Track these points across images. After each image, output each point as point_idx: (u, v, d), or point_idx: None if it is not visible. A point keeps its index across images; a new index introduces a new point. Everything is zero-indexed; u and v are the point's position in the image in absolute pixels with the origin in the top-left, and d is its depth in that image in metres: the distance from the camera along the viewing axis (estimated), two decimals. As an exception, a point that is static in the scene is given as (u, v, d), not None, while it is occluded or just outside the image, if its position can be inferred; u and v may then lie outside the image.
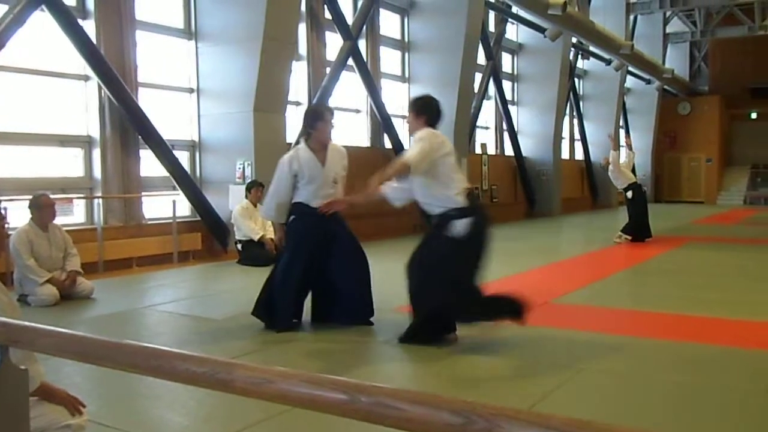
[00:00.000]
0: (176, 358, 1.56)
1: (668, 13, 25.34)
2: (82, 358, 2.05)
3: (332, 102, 11.82)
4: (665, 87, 26.21)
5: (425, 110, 4.96)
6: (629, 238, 11.27)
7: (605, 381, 3.89)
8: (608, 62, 21.31)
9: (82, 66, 8.39)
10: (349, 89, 12.59)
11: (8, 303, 2.55)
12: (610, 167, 11.49)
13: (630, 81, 24.84)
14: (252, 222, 8.84)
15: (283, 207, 5.23)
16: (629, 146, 13.02)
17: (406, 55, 14.46)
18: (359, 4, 12.72)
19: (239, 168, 9.58)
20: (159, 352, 1.62)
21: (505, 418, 1.01)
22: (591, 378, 3.92)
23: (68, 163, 8.59)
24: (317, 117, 5.26)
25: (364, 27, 12.81)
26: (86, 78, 8.56)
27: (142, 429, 3.23)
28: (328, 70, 11.73)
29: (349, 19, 12.33)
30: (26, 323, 1.89)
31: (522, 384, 3.87)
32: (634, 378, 3.95)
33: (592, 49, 20.78)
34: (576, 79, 22.42)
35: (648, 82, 25.21)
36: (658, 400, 3.56)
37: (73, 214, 8.08)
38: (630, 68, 22.75)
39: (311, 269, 5.14)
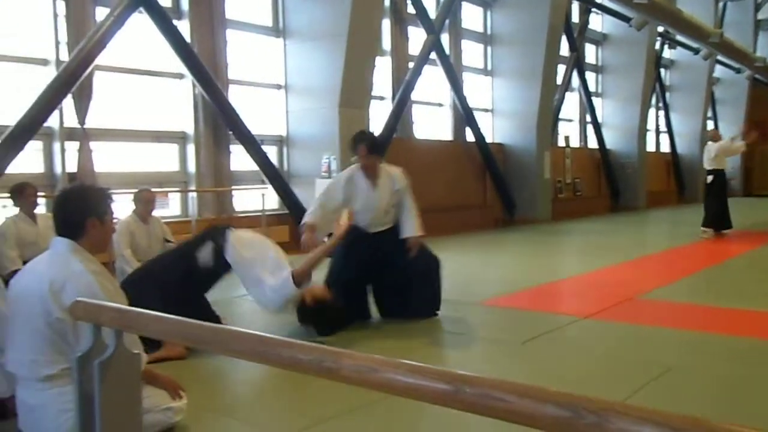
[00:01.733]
0: (282, 346, 1.59)
1: (760, -1, 24.20)
2: (192, 342, 2.16)
3: (415, 96, 11.89)
4: (756, 76, 24.97)
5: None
6: (710, 230, 10.87)
7: (694, 380, 3.81)
8: (696, 51, 20.49)
9: (177, 65, 8.73)
10: (431, 83, 12.61)
11: (115, 291, 2.71)
12: (713, 144, 11.06)
13: (719, 70, 23.82)
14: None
15: (324, 218, 5.13)
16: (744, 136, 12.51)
17: (489, 48, 14.36)
18: (441, -3, 12.72)
19: (325, 162, 9.78)
20: (266, 339, 1.65)
21: (614, 413, 0.98)
22: (679, 376, 3.84)
23: (164, 159, 8.98)
24: (353, 145, 5.13)
25: (447, 21, 12.80)
26: (181, 76, 8.91)
27: (237, 413, 3.37)
28: (411, 64, 11.79)
29: (432, 13, 12.35)
30: (139, 310, 2.02)
31: (608, 381, 3.84)
32: (725, 377, 3.85)
33: (679, 38, 20.05)
34: (662, 70, 21.75)
35: (738, 71, 24.06)
36: (749, 400, 3.47)
37: (168, 207, 8.43)
38: (719, 57, 21.79)
39: (366, 272, 5.15)
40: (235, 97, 9.37)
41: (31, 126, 7.24)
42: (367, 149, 5.01)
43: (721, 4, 23.02)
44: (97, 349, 2.12)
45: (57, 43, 7.67)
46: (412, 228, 5.11)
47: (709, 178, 11.11)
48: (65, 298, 2.49)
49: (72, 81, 7.50)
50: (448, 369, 1.27)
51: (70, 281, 2.55)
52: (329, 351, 1.49)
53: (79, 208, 2.72)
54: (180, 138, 9.07)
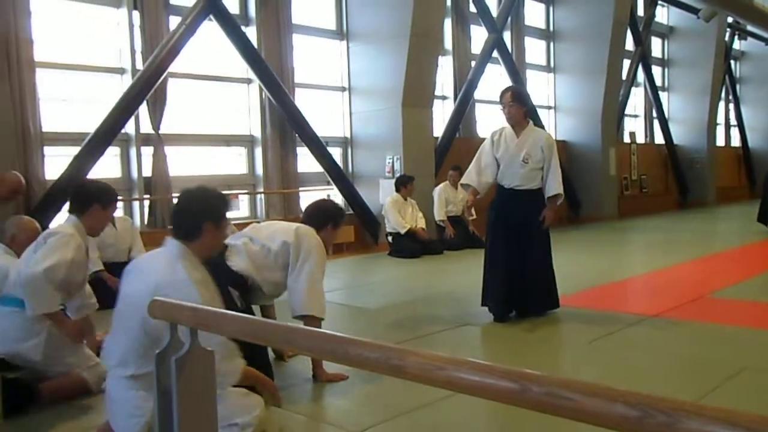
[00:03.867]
0: (350, 344, 1.63)
1: (840, -14, 23.05)
2: (264, 341, 2.24)
3: (477, 94, 11.86)
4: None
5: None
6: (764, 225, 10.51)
7: None
8: (768, 42, 19.76)
9: (245, 70, 8.96)
10: (494, 81, 12.54)
11: (211, 299, 2.67)
12: None
13: (794, 61, 22.88)
14: (401, 215, 9.08)
15: (480, 176, 5.24)
16: None
17: (552, 44, 14.20)
18: (504, -5, 12.64)
19: (389, 162, 9.86)
20: (334, 337, 1.70)
21: (686, 413, 0.96)
22: (754, 377, 3.75)
23: (233, 161, 9.21)
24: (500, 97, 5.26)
25: (509, 18, 12.71)
26: (249, 81, 9.13)
27: (306, 409, 3.46)
28: (473, 63, 11.75)
29: (494, 11, 12.29)
30: (212, 308, 2.11)
31: (679, 381, 3.78)
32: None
33: (749, 28, 19.32)
34: (732, 61, 21.05)
35: (814, 60, 23.08)
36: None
37: (238, 209, 8.65)
38: (793, 47, 20.95)
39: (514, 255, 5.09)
40: (301, 100, 9.54)
41: (109, 132, 7.55)
42: (513, 96, 5.15)
43: (795, -8, 22.08)
44: (173, 346, 2.21)
45: (133, 52, 7.96)
46: (554, 186, 5.11)
47: None
48: None
49: (147, 88, 7.78)
50: (515, 368, 1.28)
51: (172, 288, 2.56)
52: (395, 349, 1.50)
53: (198, 211, 2.77)
54: (248, 141, 9.29)
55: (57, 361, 3.58)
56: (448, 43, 11.52)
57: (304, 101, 9.61)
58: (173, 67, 8.07)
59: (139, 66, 7.92)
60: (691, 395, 3.41)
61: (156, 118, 8.05)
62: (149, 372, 2.63)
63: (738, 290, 6.29)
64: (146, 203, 8.09)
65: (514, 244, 5.07)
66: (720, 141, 20.04)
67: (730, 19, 18.15)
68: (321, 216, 4.09)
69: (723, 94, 20.08)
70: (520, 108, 5.14)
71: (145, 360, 2.63)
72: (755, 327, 4.89)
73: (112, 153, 7.88)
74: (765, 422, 0.90)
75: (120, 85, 7.89)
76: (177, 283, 2.61)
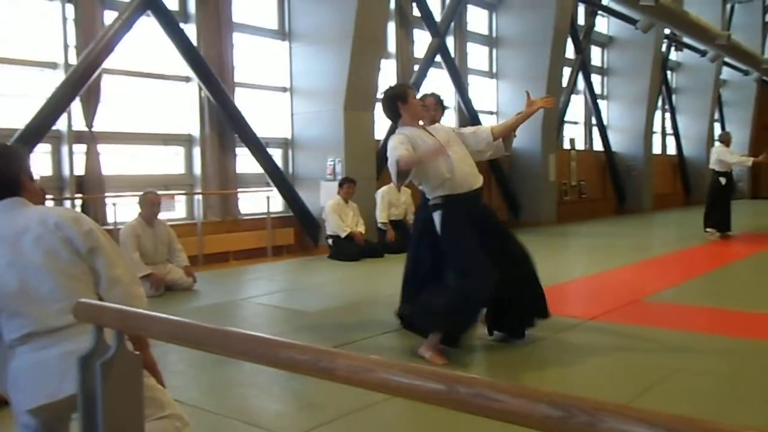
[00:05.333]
0: (280, 346, 1.61)
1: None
2: (194, 344, 2.18)
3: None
4: (764, 78, 24.89)
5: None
6: (716, 232, 10.84)
7: (700, 382, 3.81)
8: (703, 53, 20.44)
9: (183, 67, 8.77)
10: (437, 86, 12.62)
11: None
12: (723, 147, 11.11)
13: (726, 72, 23.75)
14: (341, 218, 9.03)
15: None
16: None
17: (494, 50, 14.37)
18: (447, 1, 12.74)
19: (330, 165, 9.81)
20: (264, 340, 1.68)
21: (608, 413, 0.97)
22: (685, 379, 3.84)
23: (170, 161, 9.02)
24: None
25: (452, 23, 12.82)
26: (187, 79, 8.95)
27: (240, 415, 3.39)
28: (416, 67, 11.81)
29: (437, 16, 12.37)
30: (141, 311, 2.04)
31: (613, 383, 3.84)
32: (730, 379, 3.85)
33: (686, 40, 20.01)
34: (668, 72, 21.69)
35: (746, 73, 24.01)
36: (756, 402, 3.46)
37: (174, 210, 8.47)
38: (726, 59, 21.76)
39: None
40: (241, 100, 9.41)
41: (40, 129, 7.30)
42: (437, 101, 4.94)
43: (728, 6, 22.96)
44: (99, 350, 2.14)
45: (66, 46, 7.72)
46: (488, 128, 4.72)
47: (722, 179, 11.07)
48: None
49: (80, 84, 7.55)
50: (443, 370, 1.28)
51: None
52: (325, 351, 1.51)
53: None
54: (186, 141, 9.11)
55: None
56: (391, 47, 11.54)
57: (244, 101, 9.49)
58: (108, 63, 7.86)
59: (73, 61, 7.68)
60: (625, 397, 3.46)
61: (89, 115, 7.82)
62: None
63: (671, 294, 6.45)
64: (78, 202, 7.84)
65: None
66: (656, 149, 20.59)
67: (667, 31, 18.72)
68: None
69: (660, 104, 20.65)
70: (441, 113, 5.02)
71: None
72: (687, 330, 5.01)
73: (43, 150, 7.62)
74: (684, 423, 0.93)
75: (52, 81, 7.63)
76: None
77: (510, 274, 4.35)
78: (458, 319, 4.28)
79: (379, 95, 10.50)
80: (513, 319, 4.64)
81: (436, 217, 4.33)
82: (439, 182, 4.31)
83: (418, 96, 4.85)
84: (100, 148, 7.94)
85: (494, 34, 14.36)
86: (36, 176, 2.60)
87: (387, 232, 9.60)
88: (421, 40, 12.15)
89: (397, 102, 4.51)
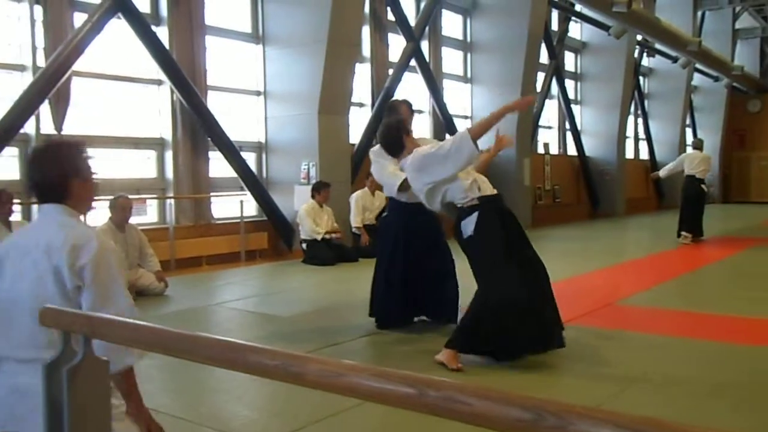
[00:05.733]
0: (250, 351, 1.60)
1: (738, 9, 24.50)
2: (163, 350, 2.14)
3: (395, 103, 11.90)
4: (734, 84, 25.34)
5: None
6: (690, 235, 10.97)
7: (671, 384, 3.83)
8: (675, 60, 20.77)
9: (155, 71, 8.69)
10: (411, 90, 12.64)
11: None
12: (698, 153, 11.29)
13: (697, 78, 24.16)
14: (315, 222, 8.99)
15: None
16: None
17: (469, 55, 14.43)
18: (422, 5, 12.78)
19: (304, 169, 9.76)
20: (234, 345, 1.66)
21: (577, 416, 0.98)
22: (657, 381, 3.86)
23: (142, 165, 8.92)
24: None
25: (427, 28, 12.86)
26: (159, 82, 8.87)
27: (212, 421, 3.34)
28: (390, 71, 11.81)
29: (412, 20, 12.39)
30: (108, 316, 2.00)
31: (585, 386, 3.85)
32: (701, 382, 3.88)
33: (657, 46, 20.30)
34: (641, 78, 21.97)
35: (716, 79, 24.44)
36: (726, 404, 3.50)
37: (146, 214, 8.38)
38: (697, 65, 22.12)
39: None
40: (214, 103, 9.34)
41: (7, 132, 7.19)
42: (410, 109, 5.06)
43: (699, 14, 23.32)
44: (66, 356, 2.10)
45: (34, 48, 7.61)
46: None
47: (704, 186, 11.25)
48: None
49: (49, 87, 7.45)
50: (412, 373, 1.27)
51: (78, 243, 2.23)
52: (295, 356, 1.50)
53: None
54: (158, 144, 9.01)
55: None
56: (365, 51, 11.53)
57: (217, 104, 9.42)
58: (78, 66, 7.76)
59: (41, 63, 7.57)
60: (595, 400, 3.48)
61: (58, 118, 7.71)
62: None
63: (644, 298, 6.50)
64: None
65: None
66: (629, 153, 20.83)
67: (639, 37, 18.96)
68: None
69: (632, 109, 20.91)
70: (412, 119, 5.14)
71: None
72: (659, 333, 5.04)
73: (11, 154, 7.50)
74: (649, 424, 0.94)
75: (20, 83, 7.52)
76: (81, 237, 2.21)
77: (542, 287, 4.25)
78: (480, 330, 4.06)
79: (354, 100, 10.55)
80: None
81: (470, 219, 4.16)
82: (469, 181, 4.22)
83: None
84: (70, 151, 7.81)
85: (469, 39, 14.43)
86: (94, 175, 2.35)
87: (361, 236, 9.58)
88: (396, 44, 12.17)
89: (402, 134, 4.50)
